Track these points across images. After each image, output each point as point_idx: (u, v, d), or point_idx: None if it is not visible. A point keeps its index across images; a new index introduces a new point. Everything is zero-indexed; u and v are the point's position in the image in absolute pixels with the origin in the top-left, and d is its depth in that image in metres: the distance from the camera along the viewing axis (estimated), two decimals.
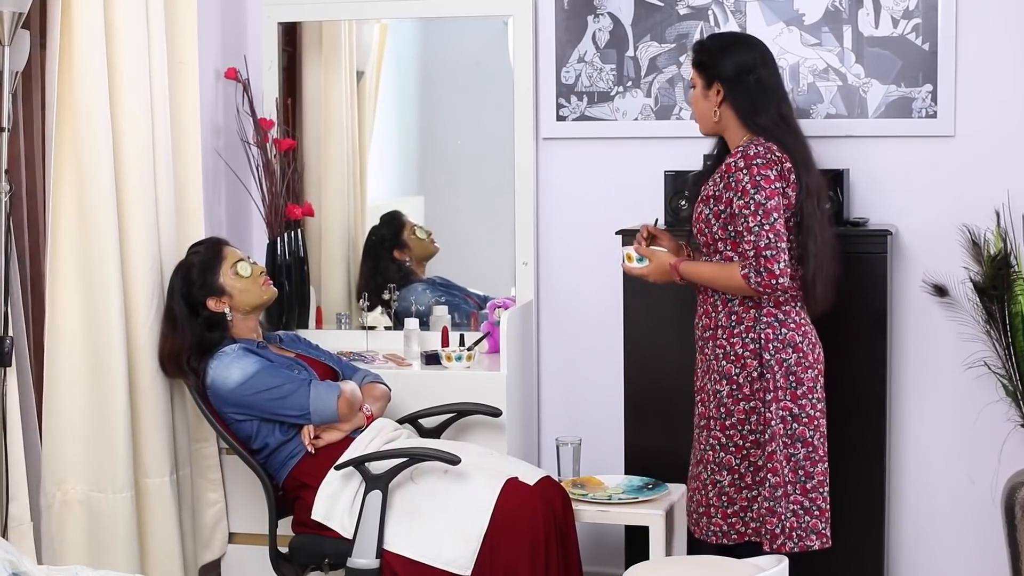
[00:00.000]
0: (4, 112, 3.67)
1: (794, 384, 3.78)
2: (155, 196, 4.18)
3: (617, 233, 4.47)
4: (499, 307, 4.66)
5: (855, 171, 4.48)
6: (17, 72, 3.74)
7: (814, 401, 3.81)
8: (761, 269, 3.68)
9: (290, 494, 4.08)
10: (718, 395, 3.80)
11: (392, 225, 5.03)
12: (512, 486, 3.89)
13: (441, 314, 4.85)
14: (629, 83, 4.70)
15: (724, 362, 3.79)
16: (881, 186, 4.52)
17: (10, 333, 3.71)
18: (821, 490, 3.83)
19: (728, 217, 3.75)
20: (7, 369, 3.69)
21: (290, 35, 5.00)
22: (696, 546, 4.12)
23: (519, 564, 3.80)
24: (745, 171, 3.72)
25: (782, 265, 3.68)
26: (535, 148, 4.78)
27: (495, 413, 4.34)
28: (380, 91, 5.07)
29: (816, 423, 3.82)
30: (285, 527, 4.10)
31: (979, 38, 4.42)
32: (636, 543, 4.28)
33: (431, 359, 4.56)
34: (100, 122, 3.96)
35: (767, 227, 3.68)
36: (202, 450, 4.43)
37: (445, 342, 4.67)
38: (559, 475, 4.37)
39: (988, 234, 4.27)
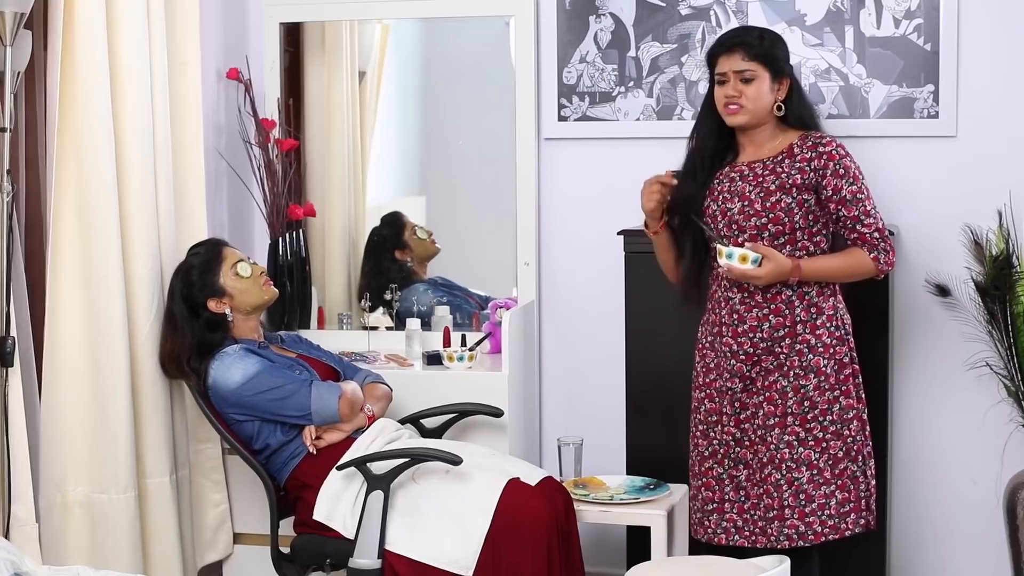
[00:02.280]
0: (6, 112, 3.67)
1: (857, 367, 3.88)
2: (156, 197, 4.18)
3: (619, 233, 4.47)
4: (501, 307, 4.66)
5: None
6: (19, 72, 3.75)
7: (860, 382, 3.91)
8: (887, 248, 3.79)
9: (292, 494, 4.08)
10: (802, 390, 3.77)
11: (393, 226, 5.03)
12: (514, 486, 3.89)
13: (443, 314, 4.85)
14: (631, 83, 4.70)
15: (811, 356, 3.77)
16: (883, 186, 4.51)
17: (11, 334, 3.71)
18: None
19: (835, 204, 3.76)
20: (9, 370, 3.69)
21: (292, 35, 5.00)
22: (697, 547, 4.12)
23: (521, 564, 3.80)
24: (848, 158, 3.79)
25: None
26: (537, 148, 4.78)
27: (497, 413, 4.34)
28: (382, 91, 5.07)
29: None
30: (287, 527, 4.10)
31: (981, 38, 4.42)
32: (638, 543, 4.28)
33: (433, 359, 4.56)
34: (101, 122, 3.96)
35: (877, 209, 3.80)
36: (205, 451, 4.43)
37: (447, 342, 4.67)
38: (561, 475, 4.36)
39: (990, 234, 4.27)
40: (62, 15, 3.86)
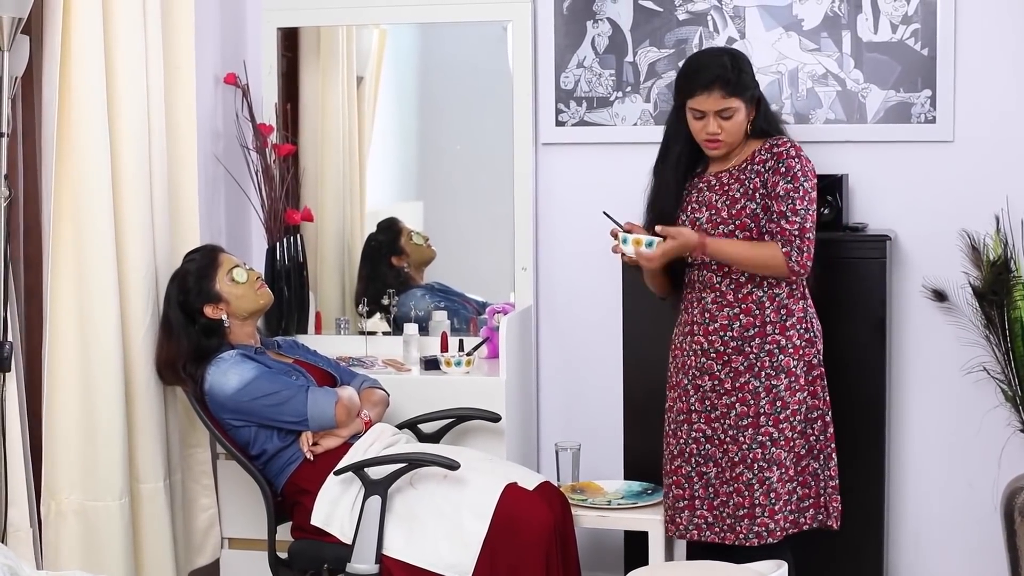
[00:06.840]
0: (3, 117, 3.67)
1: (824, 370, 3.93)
2: (151, 202, 4.17)
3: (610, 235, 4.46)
4: (498, 312, 4.66)
5: (854, 176, 4.49)
6: (17, 77, 3.74)
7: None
8: (804, 249, 3.78)
9: (289, 499, 4.08)
10: (773, 390, 3.82)
11: (389, 232, 5.02)
12: (511, 491, 3.88)
13: (440, 319, 4.85)
14: (628, 88, 4.71)
15: (781, 356, 3.82)
16: (880, 191, 4.52)
17: (9, 339, 3.70)
18: None
19: (769, 199, 3.80)
20: (6, 375, 3.69)
21: (289, 40, 5.00)
22: (696, 552, 4.12)
23: (519, 569, 3.80)
24: (796, 159, 3.81)
25: (813, 251, 3.80)
26: (534, 153, 4.78)
27: (494, 418, 4.34)
28: (379, 96, 5.07)
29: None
30: (284, 533, 4.10)
31: (978, 43, 4.43)
32: (635, 548, 4.28)
33: (430, 364, 4.56)
34: (98, 127, 3.94)
35: (812, 213, 3.81)
36: (195, 455, 4.41)
37: (444, 347, 4.67)
38: (558, 480, 4.37)
39: (987, 239, 4.27)
40: (60, 20, 3.85)
